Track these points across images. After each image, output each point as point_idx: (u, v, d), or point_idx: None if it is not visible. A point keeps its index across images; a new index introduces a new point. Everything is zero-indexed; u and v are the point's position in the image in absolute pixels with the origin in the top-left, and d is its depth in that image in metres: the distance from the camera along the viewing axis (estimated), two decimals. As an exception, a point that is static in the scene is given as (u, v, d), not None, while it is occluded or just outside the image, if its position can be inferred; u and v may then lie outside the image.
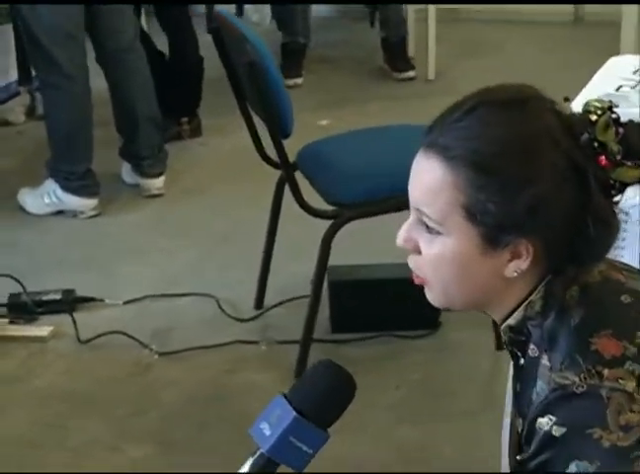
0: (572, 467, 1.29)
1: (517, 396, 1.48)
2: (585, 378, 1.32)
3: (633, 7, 5.17)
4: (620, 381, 1.31)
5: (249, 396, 3.08)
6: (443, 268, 1.42)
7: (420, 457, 2.78)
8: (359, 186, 3.03)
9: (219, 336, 3.34)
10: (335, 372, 1.47)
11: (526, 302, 1.42)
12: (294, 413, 1.40)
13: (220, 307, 3.50)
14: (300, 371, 3.11)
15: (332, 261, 3.10)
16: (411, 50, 5.66)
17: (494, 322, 3.10)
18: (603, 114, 1.38)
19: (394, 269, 3.39)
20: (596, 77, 2.61)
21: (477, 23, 6.21)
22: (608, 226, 1.40)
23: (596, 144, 1.37)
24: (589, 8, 6.48)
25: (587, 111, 1.40)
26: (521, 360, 1.45)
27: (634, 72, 2.59)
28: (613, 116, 1.40)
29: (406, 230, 1.45)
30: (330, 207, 3.09)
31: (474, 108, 1.40)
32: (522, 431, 1.41)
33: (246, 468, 1.41)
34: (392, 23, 5.53)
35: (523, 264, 1.39)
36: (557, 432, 1.32)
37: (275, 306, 3.49)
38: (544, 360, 1.38)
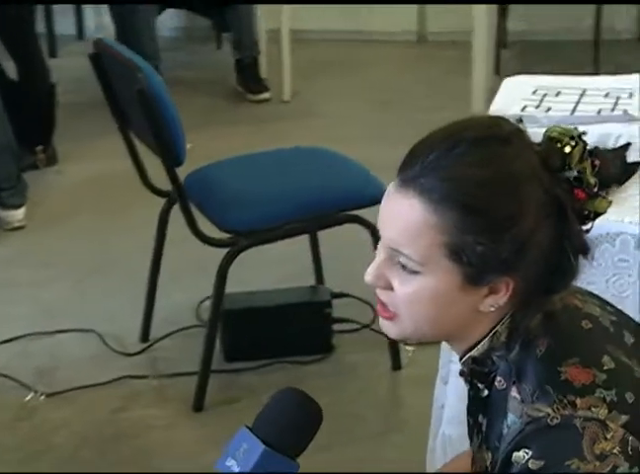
0: None
1: (479, 429, 1.45)
2: (558, 409, 1.30)
3: (484, 26, 5.28)
4: (593, 409, 1.30)
5: (145, 433, 2.98)
6: (419, 306, 1.38)
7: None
8: (254, 212, 2.96)
9: (107, 372, 3.22)
10: (299, 399, 1.43)
11: (492, 333, 1.40)
12: (263, 446, 1.35)
13: (104, 342, 3.37)
14: (199, 404, 3.03)
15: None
16: (264, 72, 5.62)
17: (390, 342, 3.11)
18: (577, 145, 1.37)
19: (283, 295, 3.35)
20: (497, 98, 2.62)
21: (326, 43, 6.22)
22: (585, 256, 1.39)
23: (572, 178, 1.36)
24: (432, 27, 6.62)
25: (554, 139, 1.38)
26: (484, 392, 1.43)
27: (533, 93, 2.62)
28: (588, 147, 1.39)
29: (376, 268, 1.40)
30: (225, 235, 3.00)
31: (454, 146, 1.35)
32: (494, 464, 1.39)
33: None
34: (245, 44, 5.48)
35: (501, 299, 1.37)
36: (534, 465, 1.29)
37: (162, 338, 3.38)
38: (514, 393, 1.36)
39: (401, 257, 1.36)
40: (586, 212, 1.38)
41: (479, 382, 1.43)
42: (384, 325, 1.45)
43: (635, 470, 1.28)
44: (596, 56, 5.93)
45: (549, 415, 1.30)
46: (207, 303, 3.18)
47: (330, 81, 5.68)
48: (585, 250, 1.38)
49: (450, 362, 2.17)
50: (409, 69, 6.06)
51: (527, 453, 1.30)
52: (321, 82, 5.69)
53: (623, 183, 2.09)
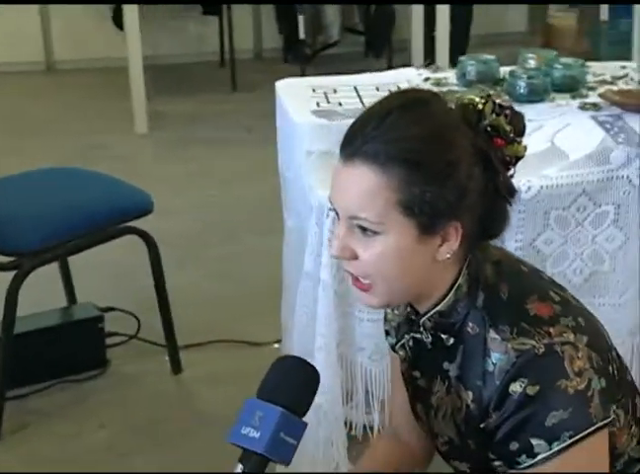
0: (550, 419, 1.47)
1: (444, 375, 1.61)
2: (539, 340, 1.50)
3: (138, 54, 5.48)
4: (564, 335, 1.52)
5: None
6: (386, 265, 1.51)
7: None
8: (36, 232, 2.96)
9: None
10: (297, 363, 1.54)
11: (455, 286, 1.57)
12: (280, 408, 1.44)
13: None
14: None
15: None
16: None
17: (169, 346, 3.23)
18: (487, 101, 1.56)
19: (53, 316, 3.37)
20: (284, 98, 2.84)
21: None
22: (512, 198, 1.58)
23: (489, 128, 1.55)
24: (58, 56, 6.68)
25: (466, 103, 1.56)
26: (450, 341, 1.59)
27: (314, 91, 2.85)
28: (497, 101, 1.59)
29: (340, 241, 1.53)
30: (7, 259, 2.99)
31: (387, 115, 1.51)
32: (479, 400, 1.55)
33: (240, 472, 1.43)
34: None
35: (454, 245, 1.52)
36: (531, 391, 1.47)
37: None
38: (492, 335, 1.52)
39: (361, 221, 1.50)
40: (507, 158, 1.57)
41: (443, 333, 1.59)
42: (364, 298, 1.58)
43: (603, 382, 1.51)
44: (232, 74, 6.32)
45: (534, 346, 1.49)
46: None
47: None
48: (511, 193, 1.57)
49: (318, 335, 2.37)
50: (44, 97, 6.12)
51: (524, 382, 1.47)
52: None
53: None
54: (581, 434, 1.47)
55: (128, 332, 3.49)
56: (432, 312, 1.59)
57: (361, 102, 2.76)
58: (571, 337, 1.51)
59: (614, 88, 2.78)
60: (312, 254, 2.40)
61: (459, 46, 6.15)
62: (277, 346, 3.48)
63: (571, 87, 2.74)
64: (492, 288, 1.57)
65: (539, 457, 1.48)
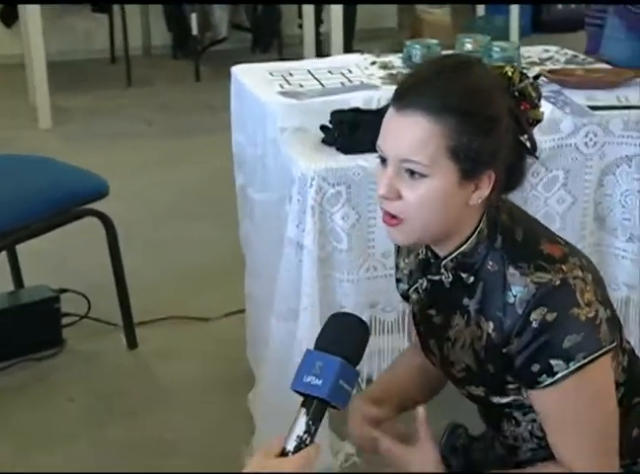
0: (566, 342, 1.69)
1: (463, 310, 1.79)
2: (555, 274, 1.71)
3: (41, 50, 5.56)
4: (574, 271, 1.70)
5: None
6: (427, 205, 1.68)
7: (147, 447, 2.99)
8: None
9: None
10: (350, 318, 1.68)
11: (478, 230, 1.77)
12: (340, 359, 1.58)
13: None
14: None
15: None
16: None
17: (125, 323, 3.38)
18: (515, 70, 1.78)
19: (8, 298, 3.47)
20: (247, 81, 3.02)
21: None
22: (535, 153, 1.78)
23: (517, 93, 1.78)
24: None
25: (496, 67, 1.78)
26: (470, 279, 1.79)
27: (271, 74, 3.06)
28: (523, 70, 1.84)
29: (388, 182, 1.71)
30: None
31: (439, 72, 1.72)
32: (502, 328, 1.73)
33: (304, 417, 1.54)
34: None
35: (485, 191, 1.70)
36: (550, 317, 1.67)
37: None
38: (511, 271, 1.71)
39: (411, 165, 1.68)
40: (530, 120, 1.78)
41: (464, 273, 1.79)
42: (391, 232, 1.77)
43: (608, 312, 1.74)
44: (128, 70, 6.44)
45: (551, 279, 1.67)
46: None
47: None
48: (535, 149, 1.79)
49: (304, 296, 2.56)
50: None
51: (543, 310, 1.66)
52: None
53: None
54: (593, 356, 1.69)
55: (79, 312, 3.62)
56: (455, 253, 1.78)
57: (320, 83, 2.97)
58: (580, 273, 1.72)
59: (545, 68, 3.06)
60: (294, 221, 2.58)
61: (347, 41, 6.44)
62: (224, 319, 3.66)
63: (507, 67, 3.01)
64: (508, 232, 1.77)
65: (558, 375, 1.70)
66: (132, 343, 3.50)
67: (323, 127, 2.69)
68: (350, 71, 3.10)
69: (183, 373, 3.39)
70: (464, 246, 1.77)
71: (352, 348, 1.61)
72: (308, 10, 6.33)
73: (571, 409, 1.72)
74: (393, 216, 1.74)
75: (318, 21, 6.45)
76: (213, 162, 4.75)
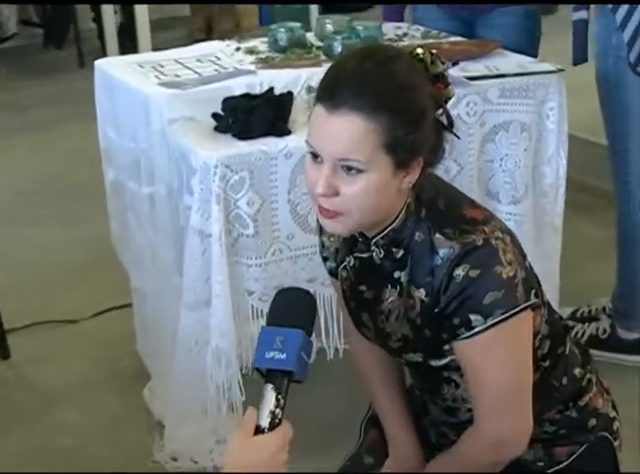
0: (487, 298, 1.77)
1: (395, 282, 1.86)
2: (478, 235, 1.81)
3: None
4: (495, 233, 1.83)
5: None
6: (365, 198, 1.74)
7: (51, 454, 2.92)
8: None
9: None
10: (297, 292, 1.73)
11: (405, 206, 1.85)
12: (300, 330, 1.62)
13: None
14: None
15: None
16: None
17: None
18: (425, 51, 1.83)
19: None
20: (120, 74, 2.96)
21: None
22: (452, 128, 1.86)
23: (432, 77, 1.82)
24: None
25: (414, 55, 1.82)
26: (400, 253, 1.86)
27: (142, 67, 3.00)
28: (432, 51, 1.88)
29: (325, 180, 1.75)
30: None
31: (365, 69, 1.72)
32: (432, 292, 1.80)
33: (272, 392, 1.56)
34: None
35: (415, 176, 1.78)
36: (473, 273, 1.75)
37: None
38: (437, 236, 1.79)
39: (350, 162, 1.72)
40: (444, 99, 1.85)
41: (395, 247, 1.87)
42: (329, 224, 1.81)
43: (523, 273, 1.82)
44: None
45: (474, 239, 1.79)
46: None
47: None
48: (452, 125, 1.87)
49: (215, 283, 2.57)
50: None
51: (466, 267, 1.75)
52: None
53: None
54: (510, 313, 1.78)
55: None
56: (386, 231, 1.85)
57: (196, 72, 2.96)
58: (500, 234, 1.82)
59: (403, 44, 3.17)
60: (199, 210, 2.58)
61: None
62: (93, 320, 3.60)
63: (373, 46, 3.10)
64: (431, 202, 1.86)
65: (476, 330, 1.78)
66: (5, 353, 3.39)
67: (215, 115, 2.69)
68: (218, 58, 3.10)
69: (65, 378, 3.32)
70: (394, 224, 1.84)
71: (305, 319, 1.65)
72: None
73: (487, 361, 1.81)
74: (328, 210, 1.78)
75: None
76: (40, 163, 4.63)
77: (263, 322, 2.67)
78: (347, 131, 1.70)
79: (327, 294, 2.75)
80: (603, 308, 3.37)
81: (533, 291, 1.85)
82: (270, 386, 1.57)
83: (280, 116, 2.68)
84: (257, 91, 2.81)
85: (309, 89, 2.82)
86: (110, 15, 6.21)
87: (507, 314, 1.77)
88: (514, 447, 1.87)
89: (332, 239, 2.02)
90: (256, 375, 1.60)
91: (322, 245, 2.06)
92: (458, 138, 1.93)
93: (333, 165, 1.73)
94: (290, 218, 2.65)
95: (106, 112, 3.08)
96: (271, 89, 2.79)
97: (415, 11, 3.59)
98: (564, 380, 1.98)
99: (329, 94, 1.72)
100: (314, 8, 6.43)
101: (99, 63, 3.12)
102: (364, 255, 1.92)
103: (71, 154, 4.95)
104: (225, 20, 7.14)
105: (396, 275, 1.88)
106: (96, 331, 3.57)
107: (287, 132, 2.64)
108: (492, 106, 2.84)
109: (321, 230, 2.05)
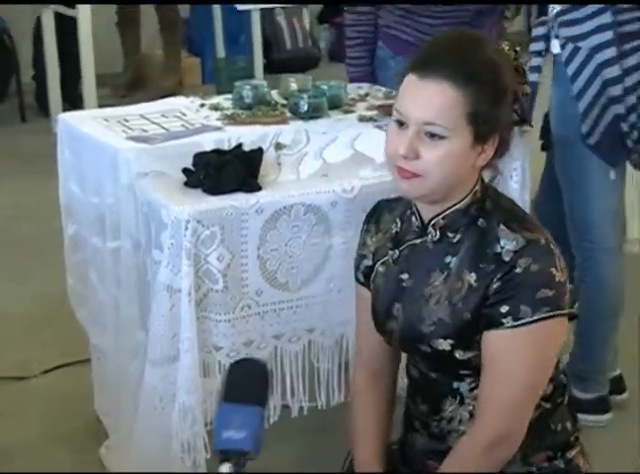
0: (539, 293, 1.89)
1: (444, 267, 1.98)
2: (542, 236, 1.93)
3: None
4: (552, 241, 1.96)
5: None
6: (443, 165, 1.90)
7: None
8: None
9: None
10: (250, 363, 1.75)
11: (473, 191, 2.00)
12: (258, 407, 1.63)
13: None
14: None
15: None
16: None
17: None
18: (510, 48, 2.06)
19: None
20: (102, 132, 2.90)
21: None
22: (526, 122, 2.13)
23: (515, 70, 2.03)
24: None
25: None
26: (456, 238, 1.98)
27: (107, 121, 2.97)
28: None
29: (409, 143, 1.90)
30: None
31: (461, 43, 1.94)
32: (484, 279, 1.92)
33: (229, 470, 1.55)
34: None
35: (490, 154, 1.97)
36: (534, 267, 1.89)
37: None
38: (502, 227, 1.93)
39: (434, 127, 1.88)
40: (522, 93, 2.04)
41: (451, 232, 1.98)
42: (404, 185, 1.94)
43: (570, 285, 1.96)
44: None
45: (539, 238, 1.93)
46: None
47: None
48: (525, 118, 2.08)
49: (184, 339, 2.54)
50: None
51: (529, 260, 1.88)
52: None
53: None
54: (556, 312, 1.89)
55: None
56: (449, 211, 1.98)
57: (162, 127, 2.95)
58: (554, 246, 1.96)
59: (366, 104, 3.20)
60: (168, 265, 2.56)
61: (74, 87, 6.37)
62: (43, 377, 3.53)
63: (336, 104, 3.12)
64: (496, 199, 2.02)
65: (522, 321, 1.88)
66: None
67: (186, 170, 2.68)
68: (184, 114, 3.10)
69: (13, 437, 3.24)
70: (459, 204, 1.97)
71: (260, 393, 1.67)
72: (52, 56, 6.20)
73: (516, 355, 1.90)
74: (408, 170, 1.92)
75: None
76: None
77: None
78: (437, 97, 1.87)
79: (293, 351, 2.74)
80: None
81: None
82: (227, 466, 1.57)
83: (250, 171, 2.67)
84: (225, 147, 2.81)
85: (277, 145, 2.84)
86: (54, 67, 6.17)
87: (552, 313, 1.87)
88: (511, 447, 1.93)
89: (374, 239, 2.15)
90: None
91: (363, 243, 2.18)
92: (530, 126, 2.32)
93: (418, 129, 1.89)
94: (259, 274, 2.64)
95: (69, 166, 3.05)
96: (239, 145, 2.79)
97: (379, 71, 3.62)
98: (559, 427, 2.05)
99: (423, 62, 1.90)
100: (259, 67, 6.47)
101: (63, 117, 3.09)
102: (417, 241, 2.03)
103: (16, 208, 4.90)
104: (168, 77, 7.14)
105: (447, 259, 1.98)
106: (46, 388, 3.50)
107: (258, 188, 2.64)
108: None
109: (366, 231, 2.17)
